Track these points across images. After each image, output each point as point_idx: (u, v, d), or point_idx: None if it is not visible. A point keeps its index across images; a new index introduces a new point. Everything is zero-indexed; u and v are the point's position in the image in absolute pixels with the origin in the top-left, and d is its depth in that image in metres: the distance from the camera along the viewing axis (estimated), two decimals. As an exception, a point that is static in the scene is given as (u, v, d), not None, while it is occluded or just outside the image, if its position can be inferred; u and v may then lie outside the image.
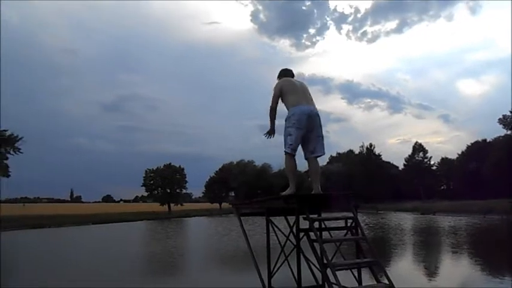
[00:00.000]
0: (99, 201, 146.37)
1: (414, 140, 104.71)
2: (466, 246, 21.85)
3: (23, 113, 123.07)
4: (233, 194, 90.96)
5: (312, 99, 5.33)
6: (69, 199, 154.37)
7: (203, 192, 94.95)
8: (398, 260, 17.23)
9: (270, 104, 5.21)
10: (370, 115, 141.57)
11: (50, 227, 44.09)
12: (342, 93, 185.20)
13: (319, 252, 4.49)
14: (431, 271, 15.14)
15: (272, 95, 5.31)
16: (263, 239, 5.41)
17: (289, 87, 5.22)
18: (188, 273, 16.31)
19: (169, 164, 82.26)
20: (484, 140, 72.08)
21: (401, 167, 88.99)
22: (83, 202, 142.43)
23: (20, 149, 51.48)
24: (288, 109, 5.15)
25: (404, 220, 43.83)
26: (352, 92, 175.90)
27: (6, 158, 50.88)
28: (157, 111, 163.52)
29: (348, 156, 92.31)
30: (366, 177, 74.92)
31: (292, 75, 5.72)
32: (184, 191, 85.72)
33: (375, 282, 4.51)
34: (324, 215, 5.29)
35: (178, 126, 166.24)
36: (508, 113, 62.07)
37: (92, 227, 45.68)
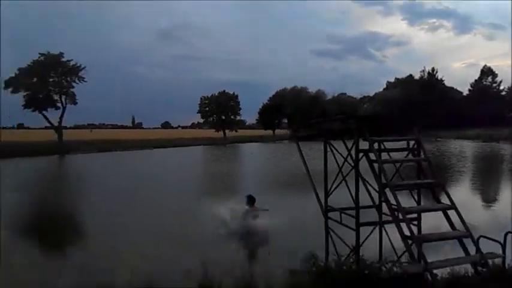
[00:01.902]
0: (158, 128, 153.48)
1: (482, 64, 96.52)
2: None
3: (86, 44, 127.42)
4: (286, 121, 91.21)
5: None
6: (131, 125, 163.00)
7: (257, 119, 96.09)
8: (458, 185, 16.91)
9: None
10: (434, 37, 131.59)
11: (116, 150, 47.29)
12: (403, 13, 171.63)
13: (378, 173, 4.48)
14: (490, 197, 14.84)
15: None
16: (321, 164, 5.46)
17: None
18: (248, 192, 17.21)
19: (224, 91, 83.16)
20: None
21: (466, 92, 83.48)
22: (143, 128, 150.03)
23: (84, 78, 54.29)
24: None
25: (465, 148, 42.03)
26: (414, 12, 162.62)
27: (73, 87, 54.07)
28: (210, 39, 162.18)
29: (407, 81, 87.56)
30: (425, 103, 71.32)
31: None
32: (238, 117, 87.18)
33: (435, 203, 4.47)
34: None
35: (232, 54, 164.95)
36: None
37: (154, 151, 48.46)
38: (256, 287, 3.59)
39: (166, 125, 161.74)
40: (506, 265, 5.01)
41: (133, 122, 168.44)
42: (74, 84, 53.84)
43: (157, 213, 11.94)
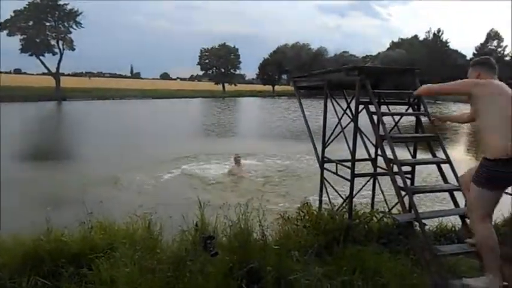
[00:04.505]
0: (157, 78, 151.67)
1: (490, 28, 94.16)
2: None
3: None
4: (286, 77, 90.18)
5: None
6: (130, 75, 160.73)
7: (257, 74, 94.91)
8: (456, 143, 17.21)
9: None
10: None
11: (114, 99, 47.03)
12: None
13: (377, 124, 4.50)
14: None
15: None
16: (321, 120, 5.48)
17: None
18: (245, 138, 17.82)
19: (224, 43, 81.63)
20: None
21: (470, 56, 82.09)
22: (142, 78, 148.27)
23: (81, 23, 52.98)
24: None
25: (463, 110, 42.00)
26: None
27: (70, 32, 52.84)
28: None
29: (411, 42, 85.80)
30: (428, 65, 70.33)
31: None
32: (238, 71, 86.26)
33: (431, 156, 4.54)
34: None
35: (235, 4, 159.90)
36: None
37: (153, 101, 48.28)
38: (250, 229, 3.71)
39: (165, 76, 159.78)
40: (493, 221, 5.19)
41: (131, 71, 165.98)
42: (71, 29, 52.61)
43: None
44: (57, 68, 52.36)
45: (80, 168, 11.37)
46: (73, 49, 53.43)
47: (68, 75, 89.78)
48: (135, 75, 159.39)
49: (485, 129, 3.08)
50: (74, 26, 52.67)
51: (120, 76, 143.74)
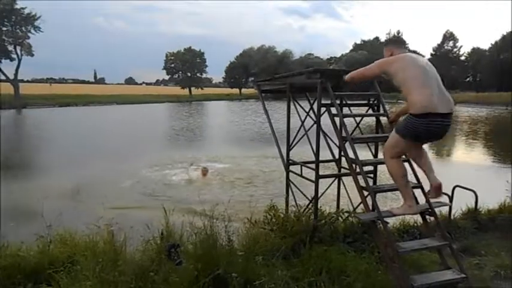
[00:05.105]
0: (121, 83, 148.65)
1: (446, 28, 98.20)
2: (474, 132, 22.36)
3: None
4: (253, 80, 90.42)
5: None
6: (93, 80, 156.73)
7: (223, 78, 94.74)
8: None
9: None
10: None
11: (77, 105, 45.67)
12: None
13: (339, 127, 4.58)
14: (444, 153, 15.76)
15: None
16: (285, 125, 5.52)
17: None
18: (212, 144, 17.73)
19: (190, 47, 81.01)
20: (521, 30, 66.76)
21: (428, 56, 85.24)
22: (106, 84, 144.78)
23: (40, 28, 51.10)
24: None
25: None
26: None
27: (28, 37, 50.85)
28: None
29: (373, 44, 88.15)
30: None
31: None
32: (204, 75, 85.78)
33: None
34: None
35: (195, 5, 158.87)
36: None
37: (117, 107, 47.22)
38: (216, 236, 3.68)
39: (130, 81, 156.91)
40: (452, 215, 5.40)
41: (95, 77, 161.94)
42: (29, 34, 50.68)
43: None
44: (15, 75, 50.28)
45: (39, 179, 10.96)
46: (32, 55, 51.48)
47: (28, 81, 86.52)
48: (99, 81, 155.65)
49: (408, 92, 3.44)
50: (33, 31, 50.81)
51: (84, 82, 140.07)
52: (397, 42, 3.92)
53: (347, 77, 4.21)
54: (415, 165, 4.10)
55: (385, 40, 3.74)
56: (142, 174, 11.29)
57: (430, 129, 3.41)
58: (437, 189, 3.71)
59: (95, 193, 9.27)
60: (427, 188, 3.93)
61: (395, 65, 3.56)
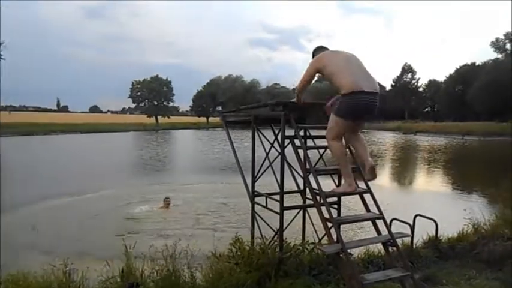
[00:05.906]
0: (86, 112, 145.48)
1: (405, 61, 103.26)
2: (434, 161, 23.33)
3: (5, 19, 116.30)
4: (220, 109, 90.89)
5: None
6: (56, 108, 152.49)
7: (190, 106, 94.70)
8: (379, 170, 18.19)
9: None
10: (365, 32, 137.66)
11: (38, 134, 44.11)
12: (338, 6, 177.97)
13: (302, 159, 4.63)
14: (406, 182, 16.24)
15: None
16: (257, 150, 5.53)
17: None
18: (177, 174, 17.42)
19: (157, 76, 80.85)
20: (473, 64, 71.34)
21: (388, 87, 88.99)
22: (70, 112, 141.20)
23: (1, 55, 49.66)
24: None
25: (386, 138, 45.29)
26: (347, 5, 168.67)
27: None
28: (142, 18, 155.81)
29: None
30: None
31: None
32: (171, 104, 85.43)
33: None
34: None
35: (165, 36, 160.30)
36: (502, 36, 60.91)
37: (81, 136, 45.95)
38: (179, 272, 3.56)
39: (94, 109, 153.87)
40: (414, 244, 5.50)
41: (58, 105, 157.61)
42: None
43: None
44: (-28, 102, 48.34)
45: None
46: (-10, 82, 49.72)
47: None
48: (62, 109, 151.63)
49: (337, 78, 3.98)
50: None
51: (46, 110, 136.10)
52: (321, 48, 4.45)
53: (296, 92, 4.55)
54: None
55: (312, 52, 4.51)
56: (102, 207, 10.85)
57: (360, 105, 3.90)
58: (371, 170, 4.17)
59: (53, 227, 8.80)
60: (389, 219, 4.02)
61: (323, 60, 4.11)
